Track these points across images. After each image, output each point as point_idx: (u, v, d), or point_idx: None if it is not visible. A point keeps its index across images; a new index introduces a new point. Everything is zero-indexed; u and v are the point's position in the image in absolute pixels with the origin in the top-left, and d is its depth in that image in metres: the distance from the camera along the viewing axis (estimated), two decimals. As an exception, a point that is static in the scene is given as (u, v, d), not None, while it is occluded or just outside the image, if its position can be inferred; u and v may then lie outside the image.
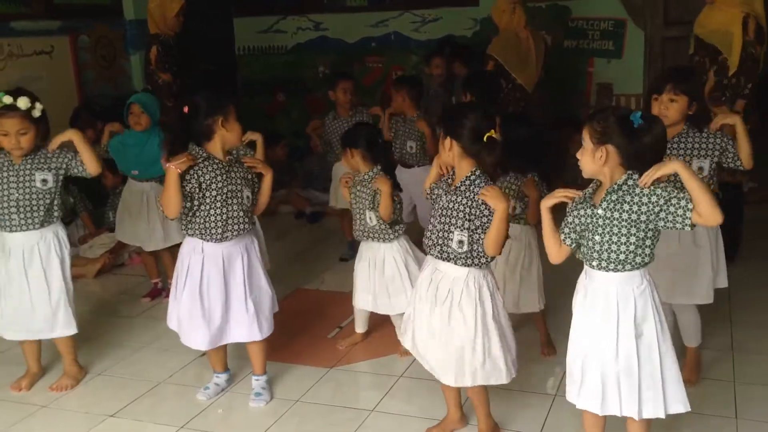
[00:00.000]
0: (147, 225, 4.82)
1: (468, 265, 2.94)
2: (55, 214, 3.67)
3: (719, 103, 4.81)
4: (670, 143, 3.37)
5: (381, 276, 3.88)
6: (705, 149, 3.35)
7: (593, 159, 2.54)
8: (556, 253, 2.74)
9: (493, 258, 2.97)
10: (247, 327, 3.51)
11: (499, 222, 2.83)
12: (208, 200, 3.34)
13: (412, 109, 5.23)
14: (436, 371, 3.09)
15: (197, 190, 3.31)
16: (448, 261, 2.96)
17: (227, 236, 3.41)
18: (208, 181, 3.32)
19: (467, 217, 2.89)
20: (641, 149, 2.50)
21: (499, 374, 3.03)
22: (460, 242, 2.91)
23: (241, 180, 3.42)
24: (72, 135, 3.63)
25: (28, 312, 3.68)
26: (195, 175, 3.30)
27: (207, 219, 3.37)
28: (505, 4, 5.96)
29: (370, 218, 3.83)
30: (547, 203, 2.68)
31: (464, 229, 2.90)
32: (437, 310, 3.00)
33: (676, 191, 2.48)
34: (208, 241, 3.41)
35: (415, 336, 3.12)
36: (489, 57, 5.93)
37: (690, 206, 2.45)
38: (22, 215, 3.57)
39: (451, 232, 2.92)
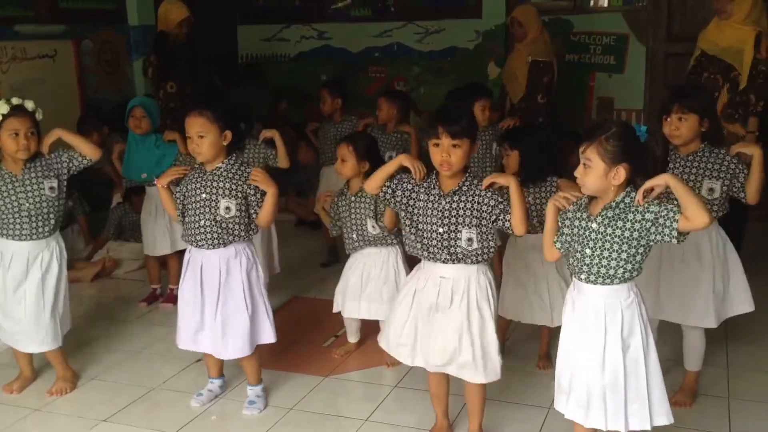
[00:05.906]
0: (155, 229, 4.84)
1: (478, 262, 2.99)
2: (55, 222, 3.66)
3: (732, 121, 4.77)
4: (684, 161, 3.36)
5: (379, 280, 3.88)
6: (719, 170, 3.30)
7: (605, 178, 2.52)
8: (548, 252, 2.83)
9: (494, 253, 3.04)
10: (212, 341, 3.50)
11: (516, 195, 2.88)
12: (187, 206, 3.45)
13: (395, 123, 5.28)
14: (465, 374, 3.05)
15: (181, 196, 3.48)
16: (458, 262, 2.98)
17: (202, 245, 3.41)
18: (184, 189, 3.48)
19: (474, 214, 2.94)
20: (652, 162, 2.52)
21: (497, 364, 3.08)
22: (469, 240, 2.96)
23: (221, 190, 3.36)
24: (58, 132, 3.62)
25: (19, 321, 3.64)
26: (182, 182, 3.50)
27: (185, 224, 3.47)
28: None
29: (372, 227, 3.83)
30: (553, 205, 2.73)
31: (472, 226, 2.95)
32: (455, 313, 2.99)
33: (666, 205, 2.48)
34: (189, 244, 3.50)
35: (425, 349, 3.07)
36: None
37: (677, 216, 2.46)
38: (34, 224, 3.56)
39: (458, 231, 2.95)
